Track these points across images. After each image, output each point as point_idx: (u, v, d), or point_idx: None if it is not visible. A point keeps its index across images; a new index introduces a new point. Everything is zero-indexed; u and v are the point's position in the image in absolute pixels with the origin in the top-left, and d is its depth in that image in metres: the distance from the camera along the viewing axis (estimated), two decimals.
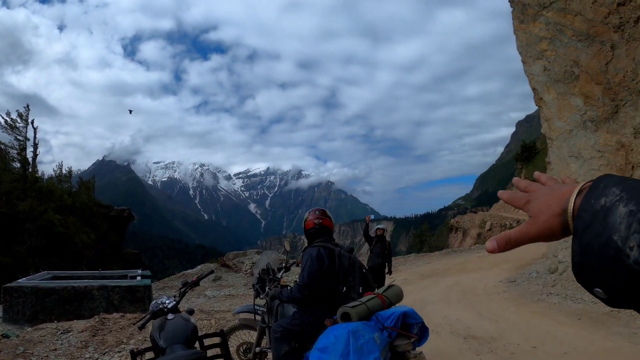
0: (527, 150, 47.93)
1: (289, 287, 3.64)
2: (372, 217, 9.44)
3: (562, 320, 6.13)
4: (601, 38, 6.72)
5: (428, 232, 54.34)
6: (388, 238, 9.19)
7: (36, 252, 17.82)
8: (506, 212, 44.23)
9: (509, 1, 9.16)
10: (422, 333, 3.21)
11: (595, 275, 0.48)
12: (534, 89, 9.38)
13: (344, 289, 3.46)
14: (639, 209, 0.44)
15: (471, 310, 7.46)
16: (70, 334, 5.81)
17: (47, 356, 5.04)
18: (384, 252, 8.64)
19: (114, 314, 6.90)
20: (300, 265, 3.61)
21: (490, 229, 38.00)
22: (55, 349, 5.25)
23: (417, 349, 3.15)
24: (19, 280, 8.30)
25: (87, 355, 5.15)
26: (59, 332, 5.84)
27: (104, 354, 5.26)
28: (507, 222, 36.83)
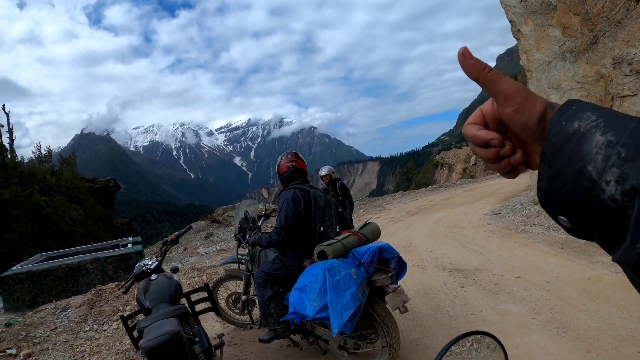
0: None
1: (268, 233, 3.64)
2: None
3: (545, 250, 6.16)
4: None
5: (414, 169, 54.75)
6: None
7: (28, 237, 17.57)
8: None
9: None
10: (400, 267, 3.25)
11: (563, 203, 0.45)
12: (511, 21, 9.14)
13: (322, 228, 3.47)
14: (617, 140, 0.40)
15: (457, 244, 7.45)
16: (69, 310, 5.87)
17: (48, 336, 5.07)
18: (337, 198, 7.14)
19: (110, 284, 6.94)
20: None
21: (475, 164, 38.56)
22: (56, 328, 5.33)
23: (397, 282, 3.17)
24: (13, 268, 8.23)
25: (87, 328, 5.26)
26: (58, 311, 5.88)
27: (103, 324, 5.36)
28: None
